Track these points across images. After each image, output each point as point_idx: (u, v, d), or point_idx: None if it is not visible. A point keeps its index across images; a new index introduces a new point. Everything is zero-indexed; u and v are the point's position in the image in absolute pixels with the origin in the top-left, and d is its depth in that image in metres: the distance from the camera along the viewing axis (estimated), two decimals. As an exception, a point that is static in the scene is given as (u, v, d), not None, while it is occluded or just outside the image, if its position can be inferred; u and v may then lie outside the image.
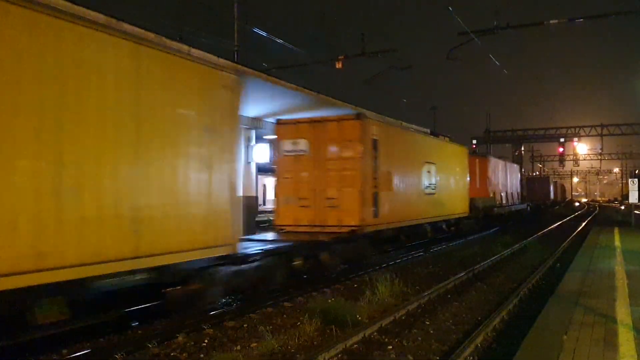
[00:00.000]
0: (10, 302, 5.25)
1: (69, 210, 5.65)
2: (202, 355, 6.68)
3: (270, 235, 12.64)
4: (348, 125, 12.74)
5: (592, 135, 49.10)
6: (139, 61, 6.57)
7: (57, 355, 6.61)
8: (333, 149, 12.86)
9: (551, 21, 18.30)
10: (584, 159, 75.10)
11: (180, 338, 7.23)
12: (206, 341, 7.22)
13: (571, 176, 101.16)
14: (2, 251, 5.04)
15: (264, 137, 20.17)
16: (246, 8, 21.38)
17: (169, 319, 8.35)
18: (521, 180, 42.41)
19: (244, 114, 18.22)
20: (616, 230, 22.78)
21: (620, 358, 5.44)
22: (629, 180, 26.53)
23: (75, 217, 5.71)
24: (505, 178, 31.75)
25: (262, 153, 19.18)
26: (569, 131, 47.99)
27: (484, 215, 24.40)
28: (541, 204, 45.82)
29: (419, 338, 7.47)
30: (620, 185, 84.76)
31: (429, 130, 29.74)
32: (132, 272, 6.40)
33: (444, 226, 19.30)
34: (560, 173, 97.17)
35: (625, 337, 6.18)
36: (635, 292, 8.86)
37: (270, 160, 19.27)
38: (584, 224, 32.38)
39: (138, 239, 6.41)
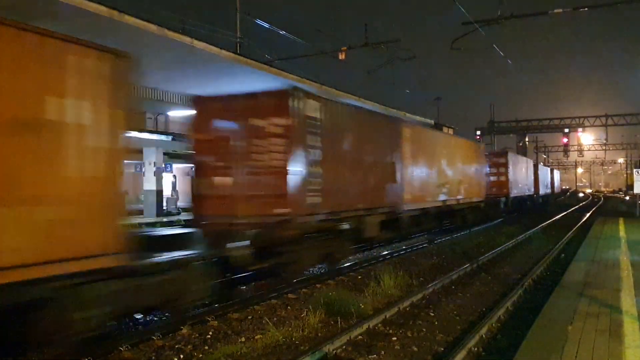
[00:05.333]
0: None
1: None
2: (206, 347, 6.69)
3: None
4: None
5: (596, 126, 48.84)
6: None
7: (60, 349, 6.63)
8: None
9: (555, 10, 18.16)
10: (589, 150, 74.81)
11: (184, 330, 7.25)
12: (210, 333, 7.23)
13: (575, 166, 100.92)
14: None
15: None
16: (249, 0, 21.28)
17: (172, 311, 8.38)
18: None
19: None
20: (621, 221, 22.71)
21: (626, 348, 5.42)
22: (634, 170, 26.42)
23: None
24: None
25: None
26: (574, 121, 47.78)
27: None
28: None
29: (424, 329, 7.47)
30: (625, 175, 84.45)
31: (432, 122, 29.71)
32: None
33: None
34: (565, 164, 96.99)
35: (630, 328, 6.17)
36: (640, 283, 8.83)
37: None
38: (588, 214, 32.29)
39: None
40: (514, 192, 29.70)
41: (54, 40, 5.18)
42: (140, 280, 6.17)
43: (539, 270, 11.82)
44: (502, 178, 28.33)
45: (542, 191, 43.14)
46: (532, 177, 37.65)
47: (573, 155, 71.05)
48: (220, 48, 12.36)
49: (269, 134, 9.68)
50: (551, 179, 52.39)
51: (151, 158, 30.43)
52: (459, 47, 19.98)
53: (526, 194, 34.59)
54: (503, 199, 27.64)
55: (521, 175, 32.85)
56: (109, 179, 5.70)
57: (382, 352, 6.44)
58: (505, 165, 28.50)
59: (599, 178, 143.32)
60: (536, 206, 38.74)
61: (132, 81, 6.10)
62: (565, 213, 34.04)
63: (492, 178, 27.82)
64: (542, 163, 55.06)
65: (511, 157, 29.76)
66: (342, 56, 22.82)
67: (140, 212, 32.25)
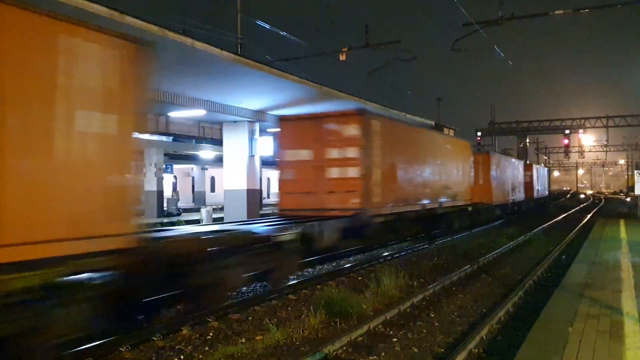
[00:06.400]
0: None
1: None
2: (207, 348, 6.69)
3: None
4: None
5: (597, 127, 48.83)
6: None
7: (62, 348, 6.63)
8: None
9: (556, 12, 18.16)
10: (590, 151, 74.89)
11: (185, 331, 7.25)
12: (211, 334, 7.23)
13: (576, 168, 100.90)
14: None
15: (268, 130, 20.19)
16: (249, 0, 21.30)
17: (174, 312, 8.38)
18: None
19: (248, 107, 18.20)
20: (622, 222, 22.71)
21: (626, 350, 5.41)
22: (635, 171, 26.40)
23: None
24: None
25: (265, 146, 19.25)
26: (574, 123, 47.73)
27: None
28: None
29: (424, 330, 7.47)
30: (626, 176, 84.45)
31: (433, 123, 29.63)
32: None
33: None
34: (566, 165, 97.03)
35: (631, 329, 6.16)
36: (641, 284, 8.82)
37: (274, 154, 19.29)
38: (589, 216, 32.27)
39: None
40: (389, 206, 14.07)
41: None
42: None
43: (539, 271, 11.81)
44: (352, 173, 12.91)
45: (506, 198, 28.15)
46: (467, 175, 21.11)
47: (574, 157, 71.09)
48: (221, 49, 12.35)
49: None
50: (527, 178, 35.85)
51: (152, 159, 30.46)
52: (460, 48, 19.99)
53: (445, 205, 18.02)
54: (333, 221, 12.00)
55: (425, 170, 16.74)
56: None
57: (383, 354, 6.44)
58: (362, 146, 12.90)
59: (600, 179, 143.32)
60: (475, 225, 22.53)
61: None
62: (565, 214, 34.02)
63: (329, 173, 13.16)
64: (500, 153, 32.09)
65: (381, 127, 13.76)
66: (342, 57, 22.85)
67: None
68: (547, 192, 48.41)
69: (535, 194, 38.42)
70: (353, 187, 12.84)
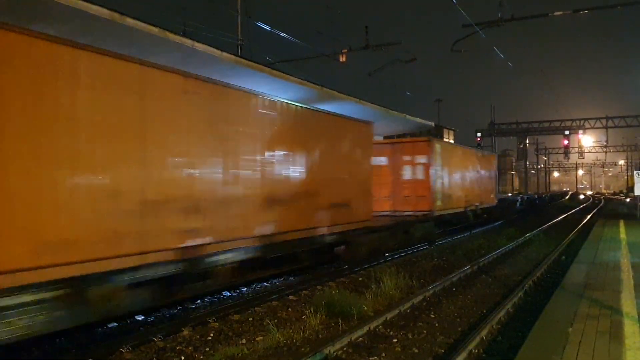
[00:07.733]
0: None
1: None
2: (207, 349, 6.70)
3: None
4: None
5: (597, 128, 48.84)
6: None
7: (63, 348, 6.66)
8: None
9: (556, 13, 18.19)
10: (589, 152, 74.92)
11: (185, 332, 7.26)
12: (212, 335, 7.25)
13: (576, 169, 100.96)
14: None
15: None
16: (249, 2, 21.36)
17: (174, 313, 8.40)
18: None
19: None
20: (621, 223, 22.70)
21: (626, 350, 5.42)
22: (635, 172, 26.42)
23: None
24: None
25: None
26: (574, 123, 47.72)
27: None
28: None
29: (425, 331, 7.48)
30: (626, 177, 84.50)
31: (433, 124, 29.58)
32: None
33: None
34: (566, 165, 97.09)
35: (630, 330, 6.17)
36: (641, 285, 8.83)
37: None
38: (589, 216, 32.28)
39: None
40: None
41: None
42: None
43: (539, 272, 11.82)
44: None
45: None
46: None
47: (574, 158, 71.07)
48: (222, 50, 12.36)
49: None
50: (419, 172, 17.46)
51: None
52: (460, 49, 19.98)
53: None
54: None
55: None
56: None
57: (383, 354, 6.46)
58: None
59: (600, 180, 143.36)
60: None
61: None
62: (565, 215, 34.03)
63: None
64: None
65: None
66: (343, 58, 22.87)
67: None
68: (493, 201, 26.25)
69: (435, 204, 17.86)
70: None
